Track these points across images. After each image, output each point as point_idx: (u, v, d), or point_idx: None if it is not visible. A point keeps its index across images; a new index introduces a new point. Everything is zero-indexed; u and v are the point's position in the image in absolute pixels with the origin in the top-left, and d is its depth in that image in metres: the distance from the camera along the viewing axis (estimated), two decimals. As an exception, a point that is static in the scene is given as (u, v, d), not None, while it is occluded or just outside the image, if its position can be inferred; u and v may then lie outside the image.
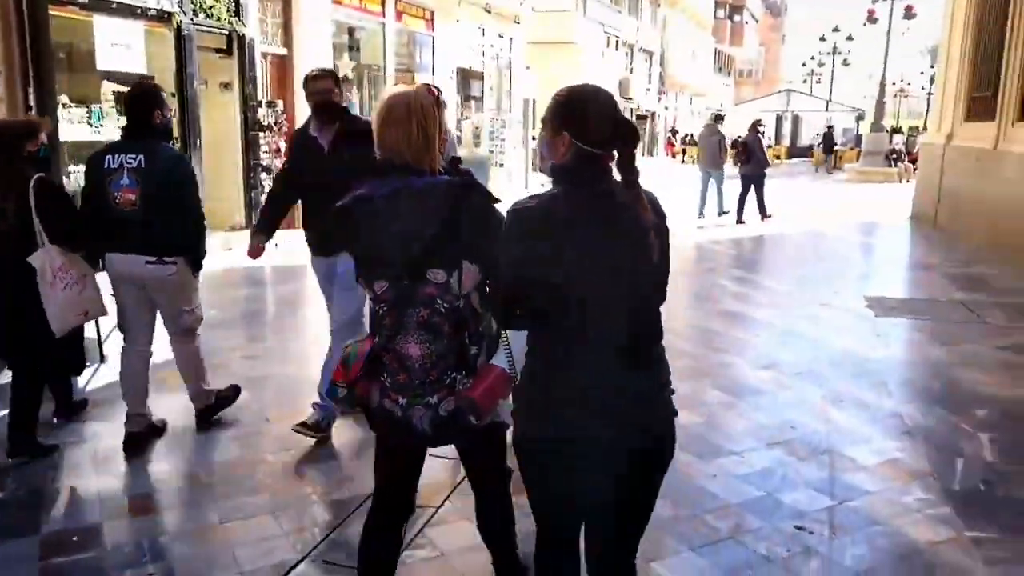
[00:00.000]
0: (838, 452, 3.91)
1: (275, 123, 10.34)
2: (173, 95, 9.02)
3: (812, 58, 50.32)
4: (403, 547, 3.01)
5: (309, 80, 3.97)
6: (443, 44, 15.90)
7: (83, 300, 3.73)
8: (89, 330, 4.67)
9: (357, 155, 3.59)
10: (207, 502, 3.45)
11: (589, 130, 1.85)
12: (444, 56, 16.01)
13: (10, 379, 3.88)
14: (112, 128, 7.92)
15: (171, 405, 4.28)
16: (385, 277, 2.15)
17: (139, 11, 8.24)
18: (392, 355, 2.17)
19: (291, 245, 9.69)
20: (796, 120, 39.69)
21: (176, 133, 9.04)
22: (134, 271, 3.76)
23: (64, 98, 7.72)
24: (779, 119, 38.09)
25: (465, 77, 18.08)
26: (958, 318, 6.76)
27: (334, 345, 4.05)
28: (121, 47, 8.23)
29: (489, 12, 17.72)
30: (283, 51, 10.97)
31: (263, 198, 5.99)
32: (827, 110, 36.82)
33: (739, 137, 14.47)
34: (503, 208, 2.02)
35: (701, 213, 13.88)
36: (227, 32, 9.63)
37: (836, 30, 42.74)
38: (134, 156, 3.65)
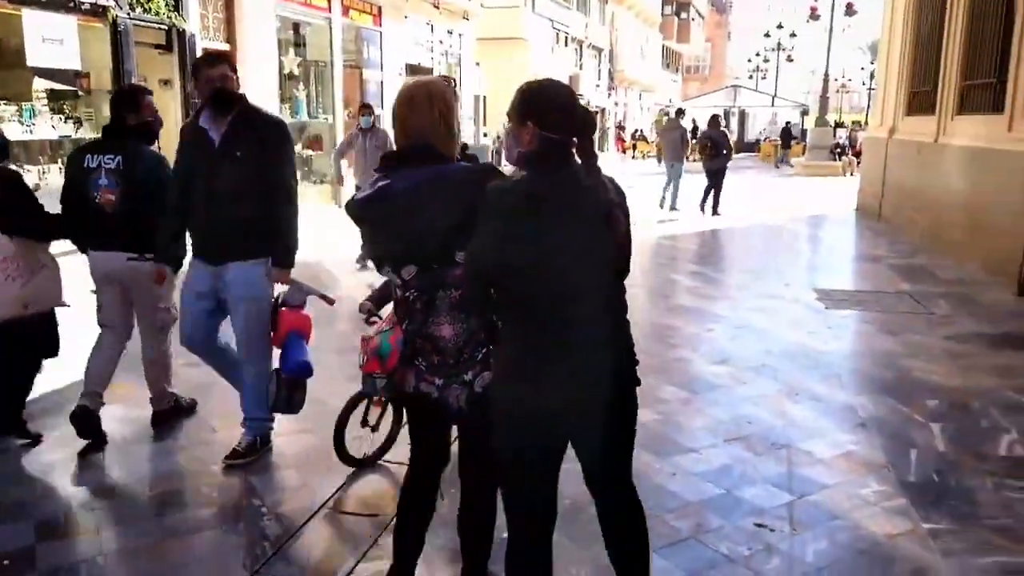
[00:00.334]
0: (795, 446, 3.92)
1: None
2: (110, 92, 8.71)
3: (757, 54, 51.27)
4: (358, 560, 2.94)
5: (202, 66, 3.53)
6: (391, 40, 15.71)
7: (24, 294, 3.73)
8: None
9: (251, 152, 3.47)
10: (149, 518, 3.29)
11: (551, 119, 2.02)
12: (392, 52, 15.83)
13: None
14: (44, 126, 7.60)
15: (113, 414, 4.09)
16: (414, 262, 2.22)
17: (72, 5, 7.93)
18: (424, 339, 2.26)
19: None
20: (743, 115, 40.31)
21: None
22: (115, 267, 3.83)
23: (-8, 95, 7.40)
24: (726, 114, 38.66)
25: (414, 73, 17.91)
26: (905, 309, 6.88)
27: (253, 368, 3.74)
28: (53, 42, 7.91)
29: (437, 8, 17.57)
30: (226, 47, 10.70)
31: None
32: (773, 105, 37.51)
33: (702, 131, 14.65)
34: None
35: (673, 207, 14.07)
36: (166, 27, 9.35)
37: (780, 27, 43.56)
38: (112, 157, 3.74)
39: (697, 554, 2.95)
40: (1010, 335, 6.04)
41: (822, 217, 14.02)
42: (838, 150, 25.13)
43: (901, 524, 3.16)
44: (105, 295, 3.94)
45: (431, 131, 2.25)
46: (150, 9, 8.95)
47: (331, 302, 3.73)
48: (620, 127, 41.03)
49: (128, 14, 8.53)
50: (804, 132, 33.02)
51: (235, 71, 3.58)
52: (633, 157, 35.33)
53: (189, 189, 3.60)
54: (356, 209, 2.29)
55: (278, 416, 3.91)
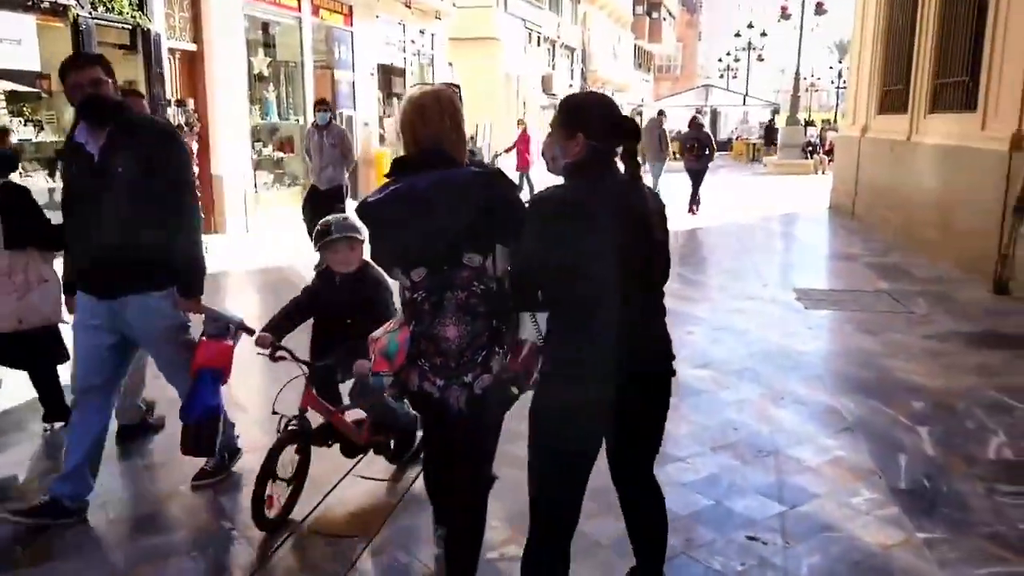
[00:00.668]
0: (783, 453, 3.84)
1: (186, 123, 9.80)
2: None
3: (728, 53, 51.58)
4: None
5: (69, 70, 3.04)
6: (362, 40, 15.49)
7: (18, 308, 3.78)
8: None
9: (134, 166, 3.00)
10: (114, 544, 3.13)
11: (599, 130, 2.17)
12: (364, 52, 15.61)
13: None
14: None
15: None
16: (424, 264, 2.29)
17: (30, 4, 7.66)
18: (428, 340, 2.32)
19: (208, 252, 9.27)
20: (715, 115, 40.52)
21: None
22: None
23: (-53, 98, 7.12)
24: (698, 113, 38.84)
25: (387, 74, 17.69)
26: (884, 308, 6.86)
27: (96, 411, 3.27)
28: (11, 43, 7.64)
29: (409, 8, 17.38)
30: (192, 47, 10.44)
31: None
32: (744, 104, 37.72)
33: (686, 132, 14.93)
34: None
35: None
36: (130, 26, 9.07)
37: (751, 26, 43.84)
38: None
39: (690, 571, 2.85)
40: (989, 333, 6.03)
41: (796, 215, 14.06)
42: (809, 149, 25.31)
43: (895, 534, 3.09)
44: None
45: (443, 138, 2.33)
46: (113, 8, 8.68)
47: (251, 332, 3.31)
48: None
49: (90, 13, 8.26)
50: (776, 131, 33.28)
51: (111, 74, 3.10)
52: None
53: (73, 212, 3.20)
54: (368, 211, 2.34)
55: (243, 434, 3.77)
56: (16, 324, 3.79)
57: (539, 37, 31.59)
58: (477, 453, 2.48)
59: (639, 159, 2.25)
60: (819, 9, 28.71)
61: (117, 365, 3.31)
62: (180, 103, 9.97)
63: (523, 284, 2.23)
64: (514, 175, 15.43)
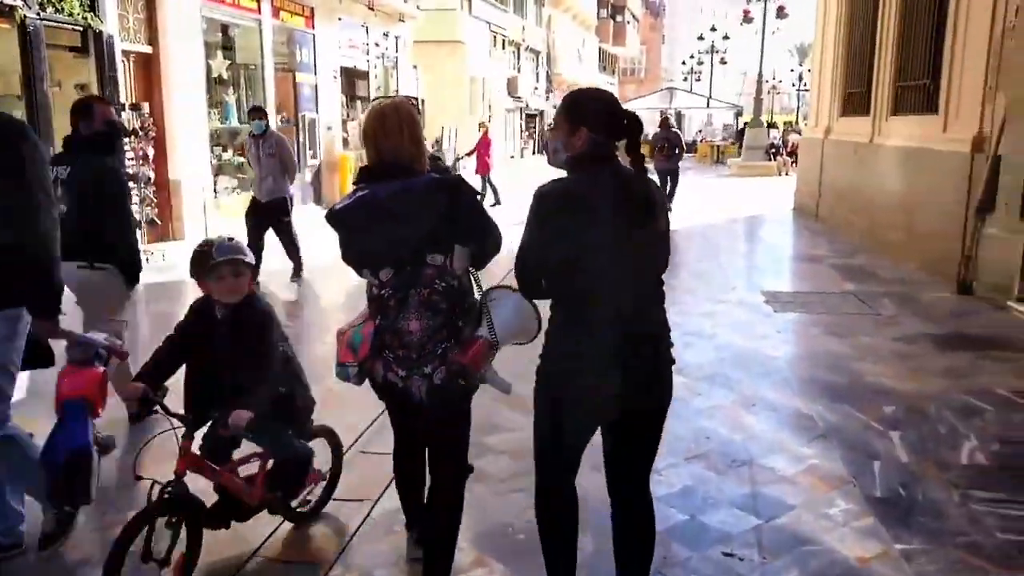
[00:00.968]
0: (757, 463, 3.77)
1: (141, 127, 9.52)
2: (19, 98, 8.14)
3: (691, 56, 52.04)
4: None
5: None
6: (324, 42, 15.26)
7: None
8: None
9: None
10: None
11: (601, 123, 2.23)
12: (326, 55, 15.38)
13: None
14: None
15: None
16: (390, 265, 2.44)
17: (-26, 4, 7.36)
18: (392, 333, 2.47)
19: (165, 260, 8.99)
20: (679, 117, 40.81)
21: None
22: (69, 278, 3.47)
23: None
24: (662, 115, 39.11)
25: (350, 77, 17.46)
26: (851, 310, 6.87)
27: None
28: (-47, 45, 7.33)
29: (372, 10, 17.17)
30: (147, 49, 10.14)
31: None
32: (708, 107, 38.05)
33: (656, 133, 15.14)
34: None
35: None
36: (81, 28, 8.76)
37: (713, 29, 44.29)
38: (64, 168, 3.79)
39: (665, 591, 2.75)
40: (955, 335, 6.05)
41: (761, 217, 14.14)
42: (772, 150, 25.57)
43: (872, 546, 3.02)
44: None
45: (402, 149, 2.46)
46: (63, 9, 8.38)
47: (124, 357, 3.04)
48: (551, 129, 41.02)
49: (38, 14, 7.95)
50: (740, 133, 33.62)
51: None
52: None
53: None
54: (337, 217, 2.48)
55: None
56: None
57: (504, 40, 31.53)
58: (449, 443, 2.61)
59: (643, 153, 2.30)
60: (780, 13, 29.06)
61: None
62: (135, 107, 9.68)
63: (527, 276, 2.30)
64: (474, 179, 15.30)
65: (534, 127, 38.12)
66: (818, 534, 3.11)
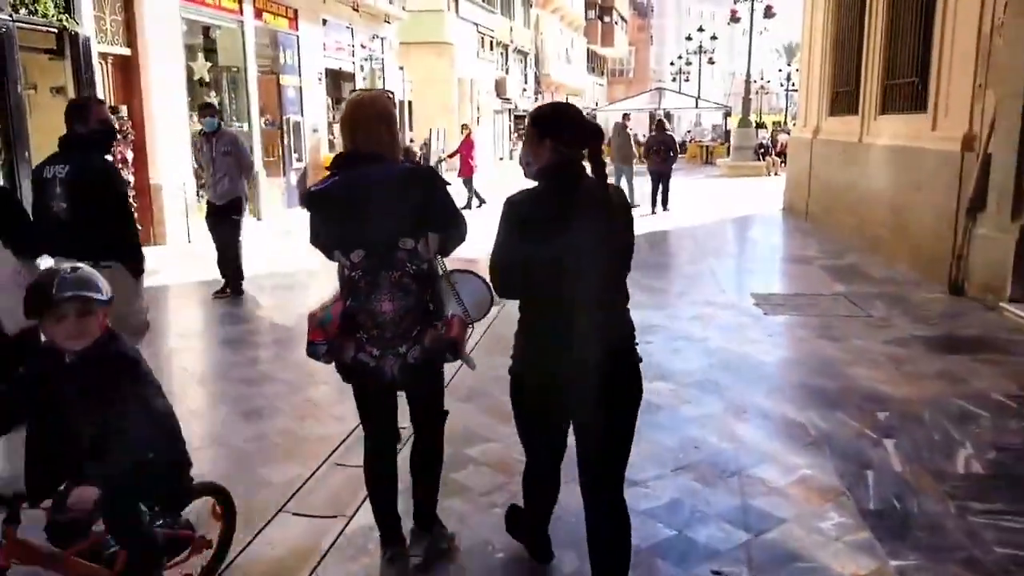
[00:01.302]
0: (747, 473, 3.63)
1: (120, 131, 9.31)
2: (-8, 101, 7.94)
3: (680, 57, 52.06)
4: None
5: None
6: (309, 44, 15.09)
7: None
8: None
9: None
10: None
11: (566, 136, 2.39)
12: (311, 57, 15.21)
13: None
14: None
15: None
16: (362, 247, 2.54)
17: (-57, 5, 7.17)
18: (366, 314, 2.57)
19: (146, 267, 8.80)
20: (668, 117, 40.79)
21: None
22: None
23: None
24: (651, 116, 39.07)
25: (335, 78, 17.28)
26: (842, 312, 6.76)
27: None
28: (-78, 47, 7.14)
29: (357, 11, 17.01)
30: (126, 51, 9.96)
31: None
32: (696, 107, 38.00)
33: (651, 136, 15.62)
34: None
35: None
36: (56, 30, 8.57)
37: (701, 30, 44.30)
38: (63, 167, 3.85)
39: (651, 614, 2.61)
40: (948, 337, 5.94)
41: (751, 217, 14.05)
42: (761, 150, 25.52)
43: (867, 563, 2.89)
44: None
45: (377, 138, 2.58)
46: (37, 11, 8.19)
47: None
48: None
49: (11, 15, 7.77)
50: (727, 133, 33.58)
51: None
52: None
53: None
54: (313, 199, 2.60)
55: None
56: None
57: (492, 41, 31.38)
58: (425, 403, 2.83)
59: (604, 160, 2.43)
60: (768, 12, 29.03)
61: None
62: (113, 110, 9.47)
63: (501, 278, 2.42)
64: (457, 181, 15.11)
65: (522, 128, 37.99)
66: (810, 550, 2.98)
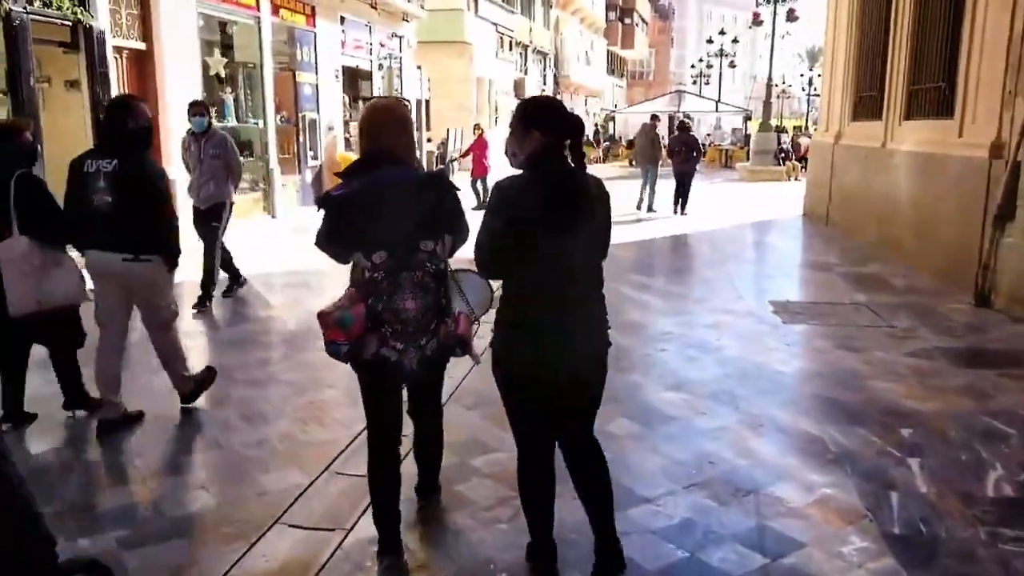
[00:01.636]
0: (763, 492, 3.47)
1: (133, 126, 9.25)
2: (5, 94, 7.91)
3: (700, 60, 51.70)
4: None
5: None
6: (326, 41, 15.01)
7: (37, 290, 3.92)
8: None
9: None
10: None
11: (549, 126, 2.54)
12: (328, 54, 15.14)
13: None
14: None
15: None
16: (384, 248, 2.63)
17: (-44, -3, 7.12)
18: (389, 312, 2.65)
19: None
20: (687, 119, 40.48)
21: None
22: (111, 268, 4.01)
23: None
24: (671, 119, 38.78)
25: (352, 77, 17.21)
26: (864, 322, 6.55)
27: None
28: (-66, 39, 7.10)
29: (375, 8, 16.93)
30: (141, 45, 9.91)
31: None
32: (716, 110, 37.69)
33: (674, 136, 15.58)
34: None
35: (650, 208, 14.80)
36: (71, 23, 8.52)
37: (723, 33, 43.94)
38: (109, 161, 3.94)
39: (659, 644, 2.46)
40: (974, 350, 5.74)
41: (770, 223, 13.81)
42: (782, 155, 25.20)
43: (891, 593, 2.72)
44: (103, 294, 4.12)
45: (397, 142, 2.74)
46: (51, 3, 8.14)
47: None
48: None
49: (25, 8, 7.71)
50: (747, 137, 33.23)
51: None
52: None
53: None
54: (332, 203, 2.67)
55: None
56: (36, 306, 3.94)
57: (511, 42, 31.24)
58: (430, 392, 3.07)
59: (584, 152, 2.61)
60: (791, 16, 28.67)
61: None
62: (127, 105, 9.43)
63: (484, 258, 2.53)
64: (466, 184, 14.91)
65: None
66: (831, 577, 2.81)
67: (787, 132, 32.87)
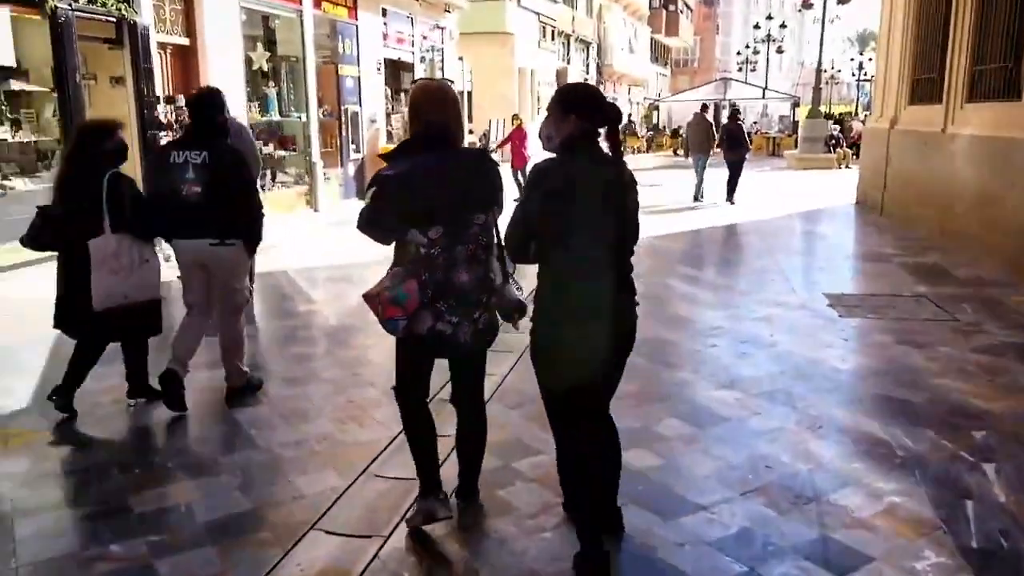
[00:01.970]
0: (826, 499, 3.25)
1: (177, 121, 9.31)
2: (52, 91, 7.98)
3: (747, 46, 50.64)
4: None
5: None
6: (368, 34, 14.95)
7: (125, 286, 4.05)
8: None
9: None
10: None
11: (587, 112, 2.65)
12: (370, 47, 15.08)
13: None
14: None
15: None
16: (440, 223, 2.71)
17: (2, -6, 7.18)
18: (444, 286, 2.73)
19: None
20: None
21: (57, 133, 8.02)
22: (200, 253, 4.20)
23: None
24: (717, 107, 38.04)
25: (395, 69, 17.14)
26: (926, 316, 6.23)
27: None
28: (-17, 36, 7.18)
29: (417, 0, 16.82)
30: (185, 41, 9.94)
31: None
32: (763, 98, 36.85)
33: (721, 126, 15.74)
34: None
35: (697, 198, 14.76)
36: (115, 19, 8.57)
37: (770, 18, 42.97)
38: (198, 153, 4.07)
39: (717, 669, 2.28)
40: (1048, 346, 5.39)
41: (821, 212, 13.36)
42: (832, 142, 24.50)
43: (973, 616, 2.50)
44: (191, 279, 4.32)
45: (449, 124, 2.80)
46: (96, 0, 8.19)
47: None
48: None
49: (70, 5, 7.76)
50: (794, 124, 32.43)
51: None
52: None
53: None
54: (386, 182, 2.68)
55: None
56: (122, 300, 4.07)
57: (553, 31, 30.94)
58: (476, 371, 3.06)
59: (620, 140, 2.75)
60: (841, -2, 27.82)
61: None
62: (171, 100, 9.49)
63: (515, 240, 2.66)
64: (506, 173, 14.79)
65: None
66: (904, 596, 2.60)
67: (845, 119, 31.83)
